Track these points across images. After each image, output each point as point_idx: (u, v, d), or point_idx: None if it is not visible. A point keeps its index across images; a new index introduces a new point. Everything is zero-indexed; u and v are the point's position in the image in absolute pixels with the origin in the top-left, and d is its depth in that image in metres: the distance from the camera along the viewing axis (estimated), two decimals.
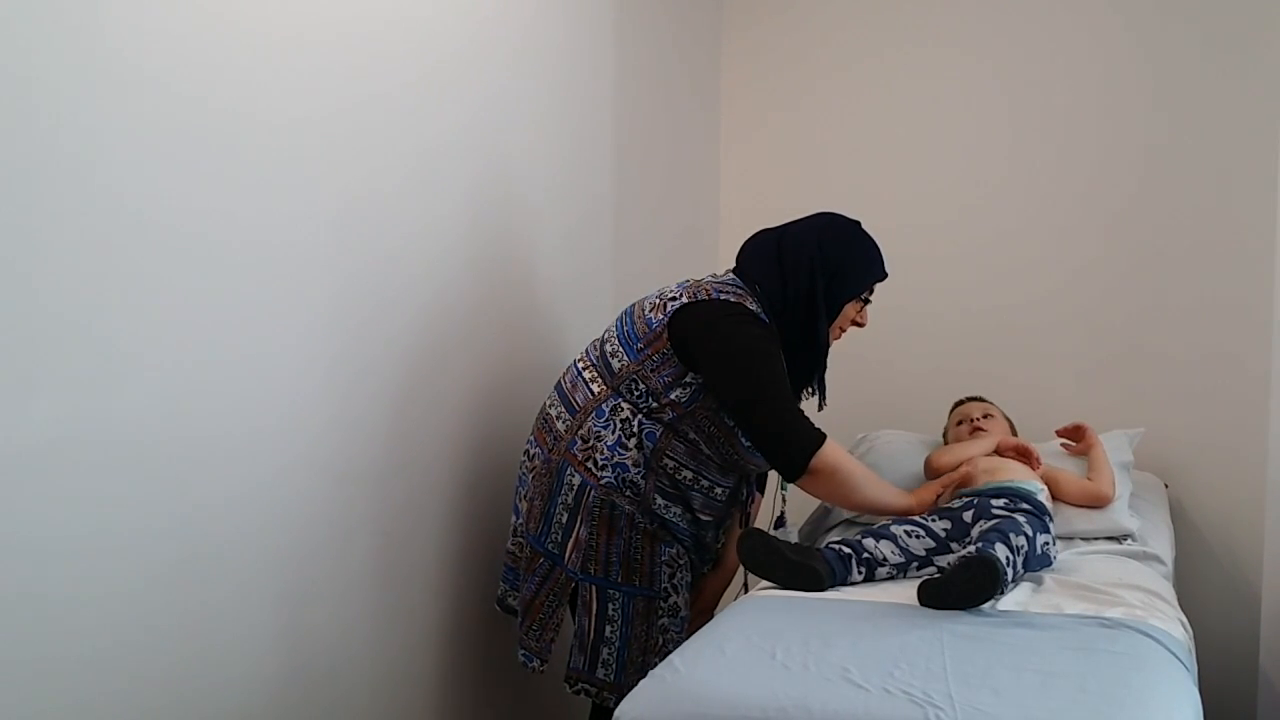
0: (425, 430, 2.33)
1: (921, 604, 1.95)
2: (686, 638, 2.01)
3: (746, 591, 2.36)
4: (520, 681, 2.64)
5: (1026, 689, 1.61)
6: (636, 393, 2.21)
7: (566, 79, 2.81)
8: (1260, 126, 2.94)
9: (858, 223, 2.34)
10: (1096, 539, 2.45)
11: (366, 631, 2.19)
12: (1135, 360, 3.16)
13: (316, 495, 2.03)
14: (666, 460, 2.22)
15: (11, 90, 1.47)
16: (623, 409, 2.22)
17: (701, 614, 2.43)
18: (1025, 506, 2.21)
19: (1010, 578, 1.98)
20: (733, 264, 2.36)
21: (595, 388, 2.26)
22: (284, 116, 1.91)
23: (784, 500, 2.53)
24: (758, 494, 2.55)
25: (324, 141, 2.00)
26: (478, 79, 2.44)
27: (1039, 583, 2.11)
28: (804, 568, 2.06)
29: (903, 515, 2.30)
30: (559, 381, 2.37)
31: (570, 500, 2.24)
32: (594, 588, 2.22)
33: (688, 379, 2.19)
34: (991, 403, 2.78)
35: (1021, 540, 2.06)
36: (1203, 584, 3.02)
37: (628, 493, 2.21)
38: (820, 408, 2.39)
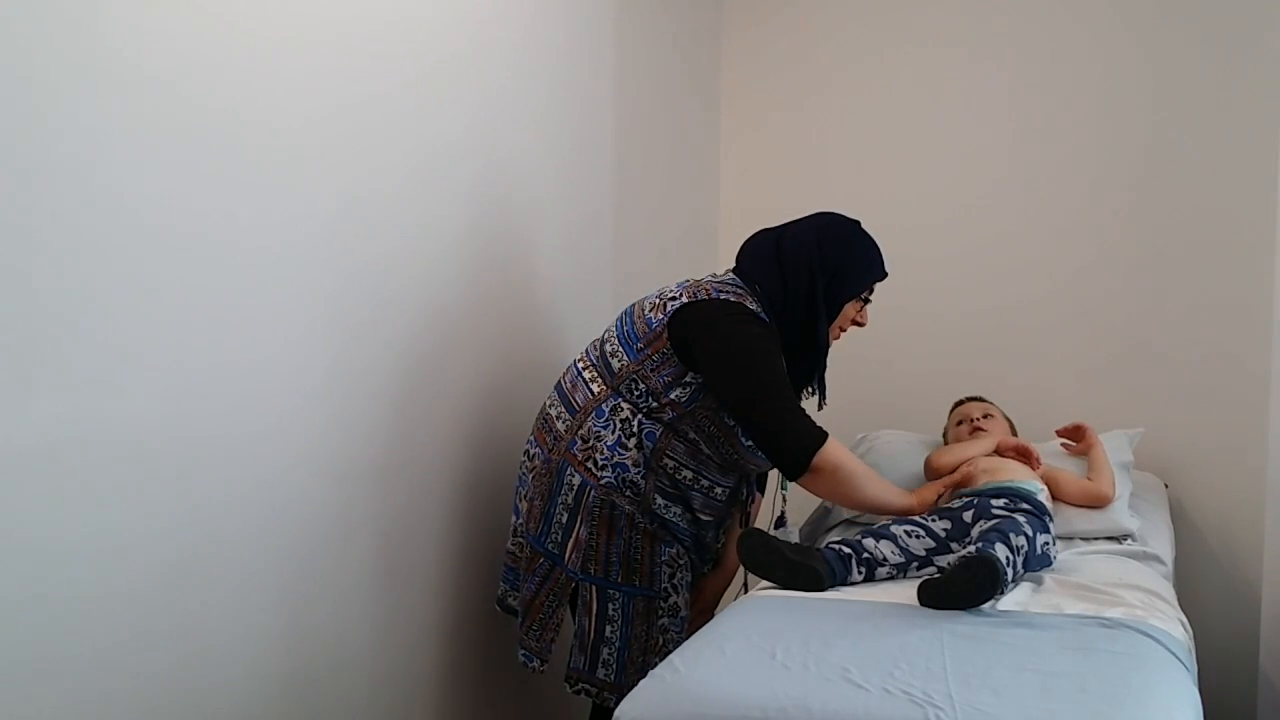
0: (425, 430, 2.33)
1: (921, 604, 1.95)
2: (687, 638, 2.01)
3: (746, 591, 2.36)
4: (520, 681, 2.64)
5: (1026, 689, 1.61)
6: (636, 392, 2.22)
7: (566, 79, 2.81)
8: (1260, 126, 2.94)
9: (857, 222, 2.34)
10: (1096, 539, 2.45)
11: (366, 631, 2.19)
12: (1135, 360, 3.16)
13: (316, 495, 2.03)
14: (666, 460, 2.22)
15: (11, 90, 1.47)
16: (623, 409, 2.22)
17: (702, 614, 2.43)
18: (1025, 506, 2.21)
19: (1010, 578, 1.98)
20: (733, 264, 2.36)
21: (595, 388, 2.26)
22: (284, 117, 1.91)
23: (784, 500, 2.53)
24: (758, 494, 2.55)
25: (324, 142, 2.00)
26: (478, 79, 2.44)
27: (1039, 583, 2.11)
28: (804, 568, 2.06)
29: (904, 514, 2.31)
30: (559, 381, 2.37)
31: (570, 500, 2.24)
32: (594, 588, 2.22)
33: (688, 379, 2.19)
34: (991, 403, 2.78)
35: (1021, 540, 2.06)
36: (1203, 584, 3.02)
37: (628, 492, 2.21)
38: (820, 407, 2.40)
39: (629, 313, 2.31)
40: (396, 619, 2.28)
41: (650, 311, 2.25)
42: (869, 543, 2.14)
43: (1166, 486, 2.98)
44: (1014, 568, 2.00)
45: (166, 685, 1.75)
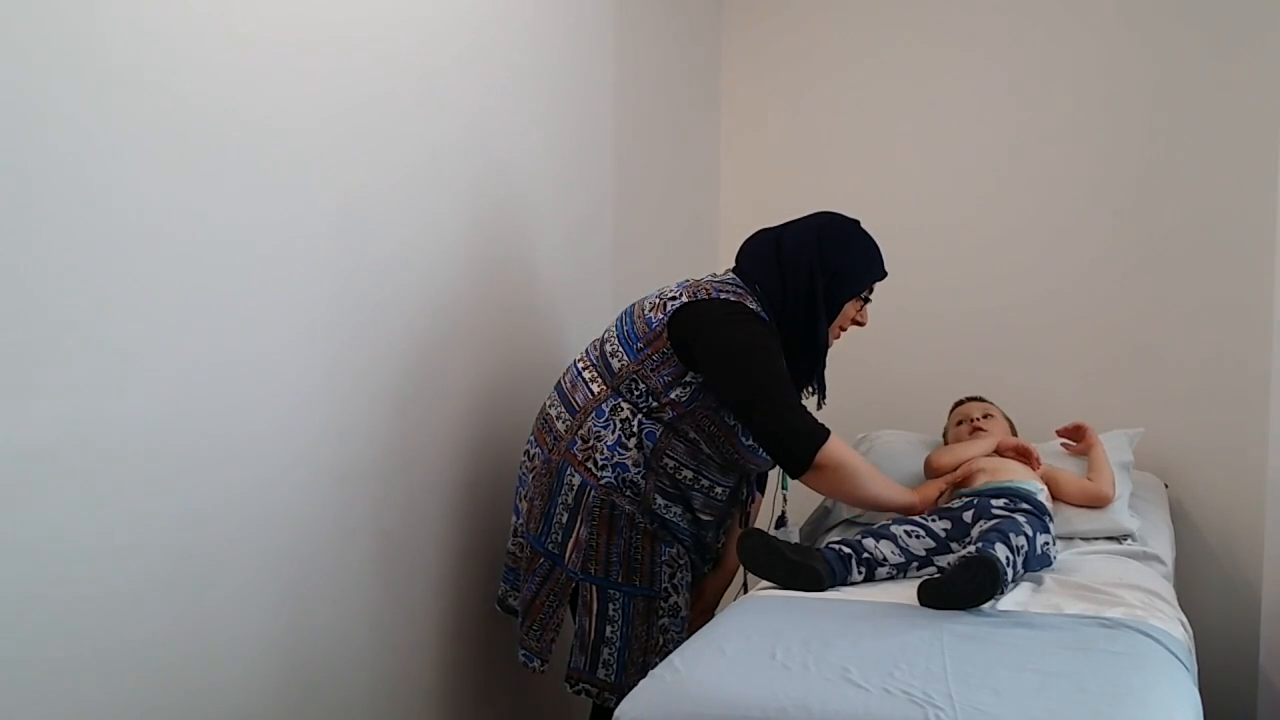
0: (425, 430, 2.33)
1: (921, 604, 1.95)
2: (687, 638, 2.01)
3: (746, 591, 2.36)
4: (520, 681, 2.64)
5: (1026, 689, 1.61)
6: (636, 392, 2.22)
7: (566, 79, 2.81)
8: (1260, 127, 2.94)
9: (857, 222, 2.34)
10: (1096, 539, 2.45)
11: (366, 631, 2.19)
12: (1135, 361, 3.16)
13: (316, 495, 2.03)
14: (667, 460, 2.22)
15: (11, 91, 1.47)
16: (623, 409, 2.22)
17: (702, 614, 2.43)
18: (1025, 506, 2.21)
19: (1010, 578, 1.98)
20: (732, 264, 2.36)
21: (595, 388, 2.26)
22: (284, 117, 1.91)
23: (784, 500, 2.53)
24: (758, 494, 2.55)
25: (324, 143, 2.00)
26: (478, 80, 2.44)
27: (1039, 583, 2.11)
28: (804, 568, 2.06)
29: (906, 512, 2.31)
30: (559, 382, 2.37)
31: (570, 500, 2.24)
32: (594, 588, 2.22)
33: (688, 378, 2.19)
34: (991, 403, 2.78)
35: (1021, 540, 2.06)
36: (1203, 584, 3.02)
37: (628, 492, 2.21)
38: (819, 406, 2.40)
39: (629, 313, 2.31)
40: (396, 619, 2.28)
41: (650, 311, 2.25)
42: (869, 543, 2.14)
43: (1166, 486, 2.98)
44: (1014, 568, 2.00)
45: (166, 685, 1.75)
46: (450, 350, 2.38)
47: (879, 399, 3.28)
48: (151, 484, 1.70)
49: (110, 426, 1.62)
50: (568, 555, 2.24)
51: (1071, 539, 2.43)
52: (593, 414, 2.24)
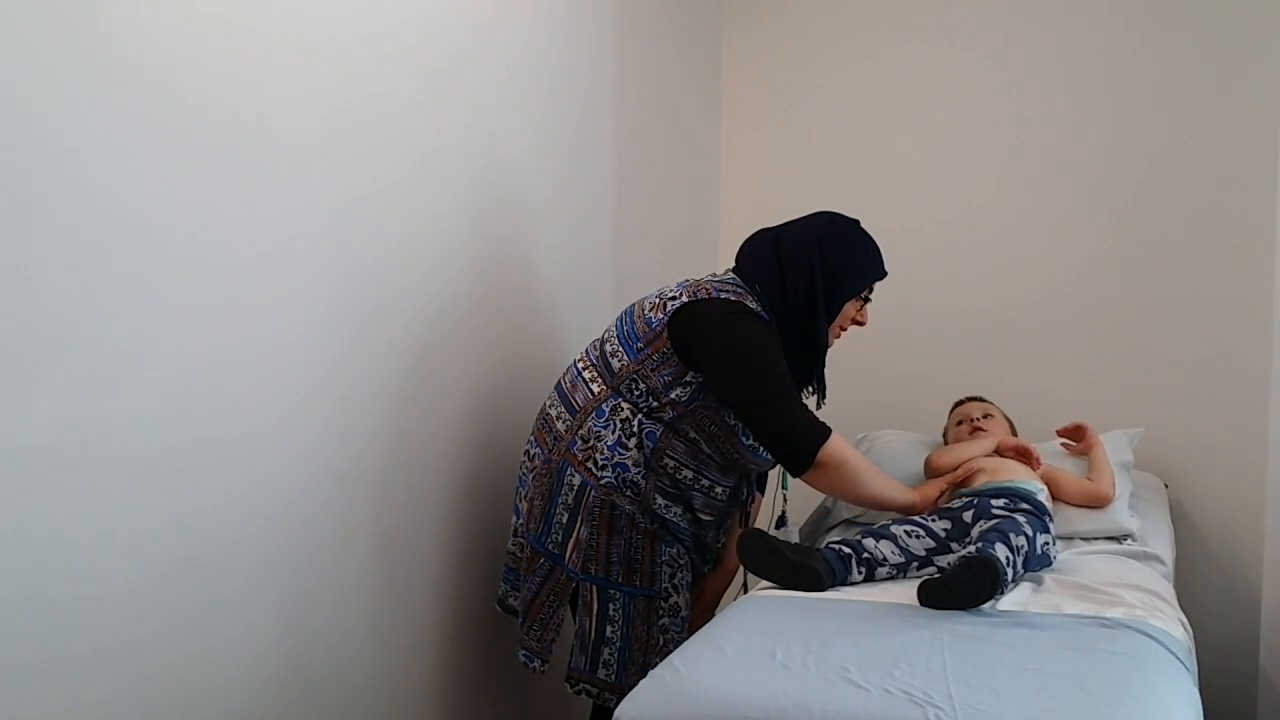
0: (425, 430, 2.33)
1: (921, 604, 1.95)
2: (687, 638, 2.01)
3: (746, 591, 2.36)
4: (521, 682, 2.64)
5: (1026, 689, 1.61)
6: (637, 392, 2.22)
7: (566, 79, 2.81)
8: (1260, 126, 2.94)
9: (856, 221, 2.34)
10: (1096, 539, 2.45)
11: (366, 632, 2.19)
12: (1135, 360, 3.16)
13: (316, 495, 2.03)
14: (667, 460, 2.22)
15: (11, 91, 1.47)
16: (623, 409, 2.22)
17: (702, 614, 2.43)
18: (1025, 506, 2.21)
19: (1010, 578, 1.98)
20: (732, 264, 2.36)
21: (595, 388, 2.26)
22: (284, 117, 1.91)
23: (785, 500, 2.53)
24: (758, 494, 2.55)
25: (324, 143, 2.00)
26: (478, 80, 2.44)
27: (1039, 583, 2.11)
28: (804, 568, 2.06)
29: (907, 512, 2.31)
30: (559, 382, 2.37)
31: (570, 500, 2.24)
32: (594, 588, 2.22)
33: (688, 378, 2.19)
34: (991, 403, 2.78)
35: (1021, 540, 2.06)
36: (1203, 584, 3.02)
37: (628, 492, 2.21)
38: (819, 405, 2.40)
39: (629, 313, 2.31)
40: (396, 619, 2.28)
41: (650, 311, 2.25)
42: (869, 543, 2.14)
43: (1166, 486, 2.98)
44: (1014, 568, 2.00)
45: (166, 685, 1.75)
46: (450, 350, 2.38)
47: (879, 399, 3.28)
48: (151, 484, 1.70)
49: (110, 426, 1.62)
50: (568, 555, 2.24)
51: (1071, 539, 2.43)
52: (593, 414, 2.24)
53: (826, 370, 2.38)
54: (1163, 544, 2.52)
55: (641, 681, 1.73)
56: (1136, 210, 3.15)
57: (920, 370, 3.34)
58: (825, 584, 2.05)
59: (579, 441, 2.24)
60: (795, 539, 2.51)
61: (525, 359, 2.65)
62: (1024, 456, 2.48)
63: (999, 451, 2.52)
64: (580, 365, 2.33)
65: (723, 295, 2.22)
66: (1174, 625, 1.97)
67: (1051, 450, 2.66)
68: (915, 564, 2.16)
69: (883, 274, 2.35)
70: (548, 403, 2.36)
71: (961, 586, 1.93)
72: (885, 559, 2.13)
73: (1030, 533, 2.11)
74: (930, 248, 3.31)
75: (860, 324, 2.36)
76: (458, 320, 2.40)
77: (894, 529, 2.18)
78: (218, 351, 1.80)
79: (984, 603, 1.93)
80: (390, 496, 2.23)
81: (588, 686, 2.24)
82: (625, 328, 2.28)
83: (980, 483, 2.35)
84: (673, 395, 2.19)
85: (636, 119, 3.12)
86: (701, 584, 2.47)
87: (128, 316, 1.64)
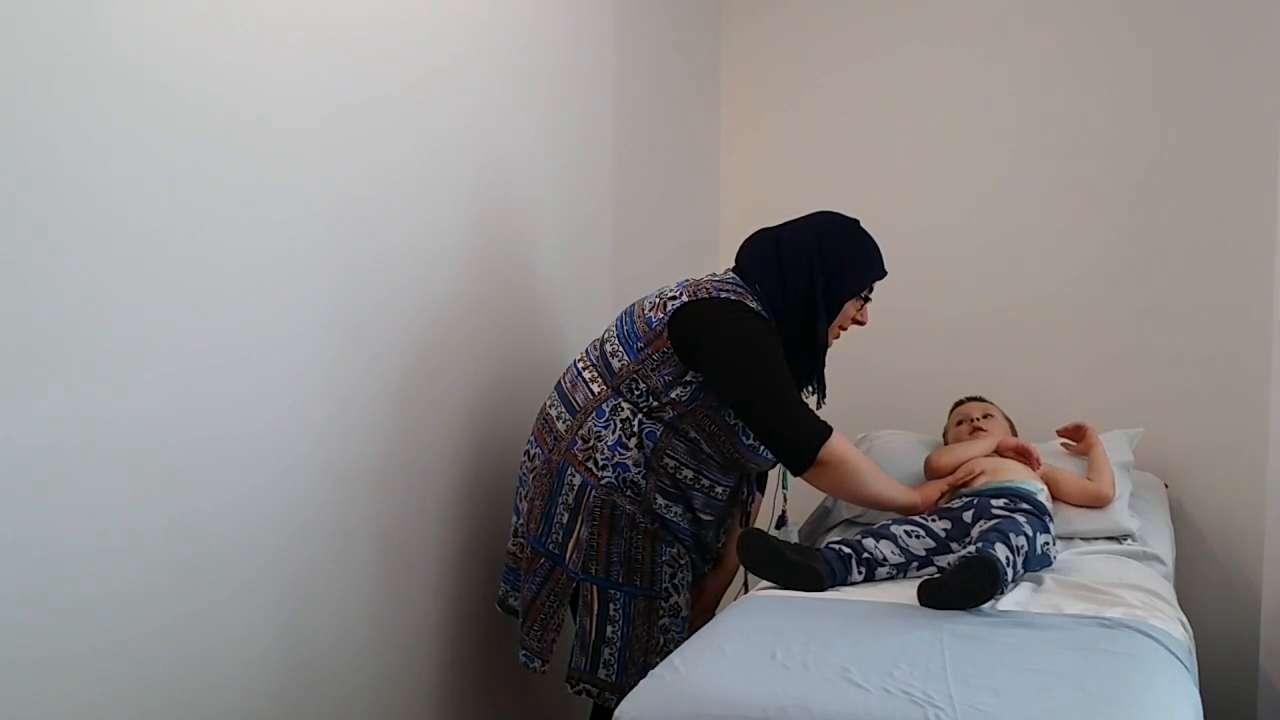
0: (425, 430, 2.33)
1: (921, 604, 1.95)
2: (687, 638, 2.01)
3: (746, 591, 2.36)
4: (521, 682, 2.64)
5: (1026, 689, 1.61)
6: (637, 392, 2.22)
7: (567, 80, 2.81)
8: (1260, 127, 2.94)
9: (856, 221, 2.34)
10: (1096, 539, 2.45)
11: (366, 631, 2.19)
12: (1135, 360, 3.16)
13: (316, 495, 2.03)
14: (667, 460, 2.22)
15: (11, 91, 1.47)
16: (623, 409, 2.22)
17: (703, 614, 2.43)
18: (1025, 506, 2.22)
19: (1010, 578, 1.98)
20: (732, 264, 2.36)
21: (595, 388, 2.26)
22: (284, 117, 1.91)
23: (785, 499, 2.53)
24: (758, 493, 2.55)
25: (324, 142, 2.00)
26: (478, 80, 2.44)
27: (1039, 583, 2.11)
28: (804, 568, 2.06)
29: (907, 512, 2.31)
30: (559, 382, 2.37)
31: (571, 500, 2.24)
32: (595, 588, 2.22)
33: (688, 378, 2.19)
34: (991, 403, 2.78)
35: (1021, 540, 2.06)
36: (1203, 584, 3.02)
37: (628, 492, 2.21)
38: (819, 405, 2.40)
39: (629, 312, 2.31)
40: (396, 619, 2.28)
41: (650, 311, 2.25)
42: (869, 543, 2.14)
43: (1166, 486, 2.98)
44: (1014, 568, 2.00)
45: (166, 685, 1.75)
46: (450, 350, 2.38)
47: (879, 399, 3.28)
48: (151, 483, 1.70)
49: (110, 426, 1.62)
50: (568, 555, 2.24)
51: (1071, 539, 2.43)
52: (593, 414, 2.24)
53: (826, 370, 2.38)
54: (1163, 544, 2.52)
55: (642, 681, 1.73)
56: (1136, 210, 3.15)
57: (920, 370, 3.34)
58: (825, 584, 2.05)
59: (579, 441, 2.24)
60: (795, 539, 2.51)
61: (525, 359, 2.65)
62: (1024, 456, 2.48)
63: (999, 451, 2.52)
64: (580, 365, 2.33)
65: (723, 295, 2.22)
66: (1174, 625, 1.97)
67: (1051, 450, 2.66)
68: (915, 564, 2.16)
69: (883, 273, 2.35)
70: (548, 403, 2.36)
71: (961, 586, 1.93)
72: (885, 559, 2.13)
73: (1030, 533, 2.11)
74: (930, 247, 3.31)
75: (860, 323, 2.36)
76: (458, 320, 2.40)
77: (894, 529, 2.18)
78: (218, 351, 1.80)
79: (984, 603, 1.93)
80: (390, 496, 2.23)
81: (588, 686, 2.24)
82: (625, 327, 2.28)
83: (980, 483, 2.35)
84: (673, 395, 2.19)
85: (636, 119, 3.12)
86: (702, 584, 2.47)
87: (128, 316, 1.64)
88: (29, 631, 1.53)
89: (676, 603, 2.27)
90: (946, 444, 2.71)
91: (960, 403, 2.81)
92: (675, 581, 2.27)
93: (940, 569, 2.13)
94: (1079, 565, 2.24)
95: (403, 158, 2.21)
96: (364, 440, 2.15)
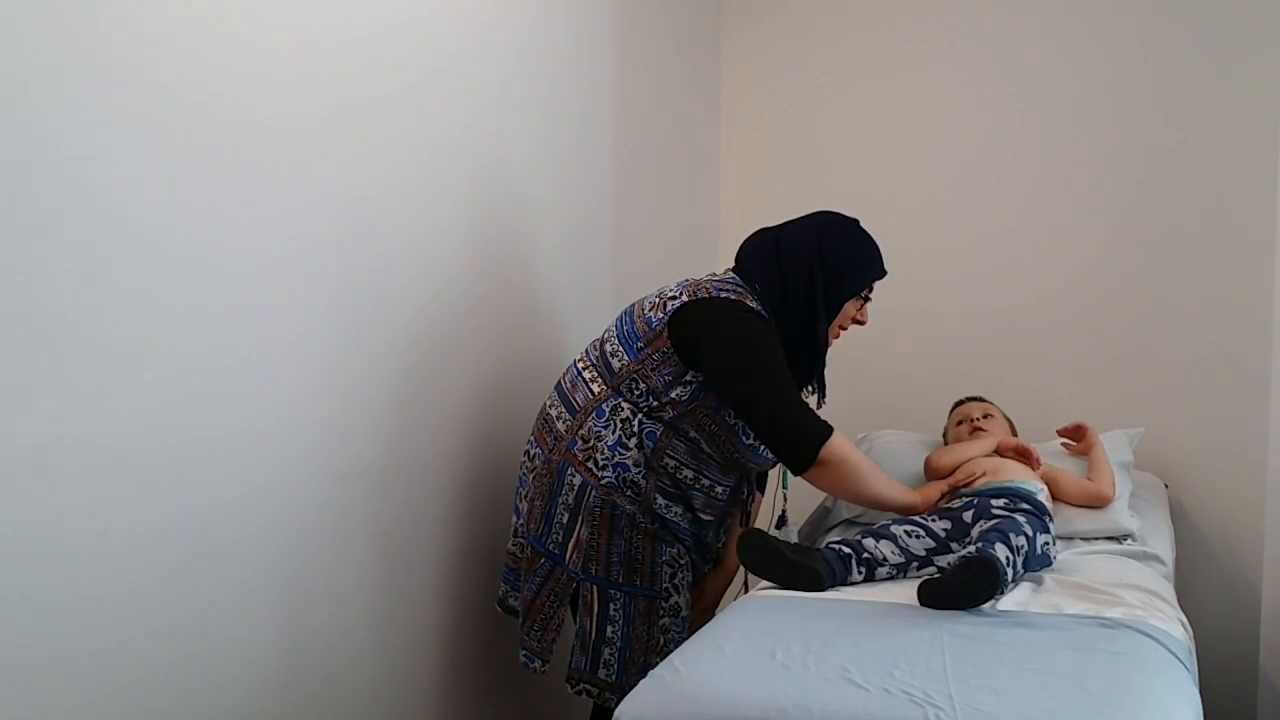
0: (425, 430, 2.33)
1: (921, 604, 1.95)
2: (688, 638, 2.01)
3: (746, 591, 2.36)
4: (521, 682, 2.64)
5: (1026, 689, 1.61)
6: (637, 392, 2.22)
7: (567, 80, 2.81)
8: (1260, 127, 2.94)
9: (856, 221, 2.34)
10: (1096, 539, 2.45)
11: (366, 631, 2.19)
12: (1135, 360, 3.16)
13: (316, 495, 2.03)
14: (667, 459, 2.22)
15: (11, 91, 1.47)
16: (623, 409, 2.22)
17: (703, 614, 2.43)
18: (1025, 506, 2.22)
19: (1010, 578, 1.98)
20: (732, 263, 2.36)
21: (595, 388, 2.26)
22: (284, 118, 1.91)
23: (785, 499, 2.53)
24: (758, 493, 2.55)
25: (324, 143, 2.00)
26: (478, 80, 2.44)
27: (1039, 583, 2.11)
28: (804, 568, 2.06)
29: (908, 512, 2.31)
30: (559, 382, 2.37)
31: (571, 500, 2.24)
32: (595, 588, 2.22)
33: (688, 377, 2.19)
34: (991, 403, 2.78)
35: (1021, 540, 2.06)
36: (1203, 584, 3.02)
37: (628, 492, 2.21)
38: (819, 405, 2.40)
39: (629, 312, 2.31)
40: (396, 619, 2.28)
41: (650, 311, 2.25)
42: (869, 543, 2.14)
43: (1166, 486, 2.98)
44: (1014, 568, 2.00)
45: (166, 685, 1.75)
46: (450, 350, 2.38)
47: (879, 399, 3.28)
48: (151, 483, 1.70)
49: (110, 426, 1.62)
50: (568, 555, 2.24)
51: (1071, 539, 2.43)
52: (593, 414, 2.24)
53: (826, 370, 2.38)
54: (1163, 544, 2.52)
55: (642, 681, 1.73)
56: (1136, 210, 3.15)
57: (920, 370, 3.34)
58: (825, 584, 2.05)
59: (579, 441, 2.24)
60: (795, 539, 2.51)
61: (525, 359, 2.65)
62: (1024, 456, 2.48)
63: (999, 451, 2.52)
64: (580, 365, 2.33)
65: (723, 294, 2.22)
66: (1174, 625, 1.97)
67: (1051, 450, 2.66)
68: (915, 564, 2.16)
69: (882, 273, 2.35)
70: (548, 403, 2.36)
71: (961, 586, 1.93)
72: (885, 559, 2.13)
73: (1030, 533, 2.11)
74: (930, 247, 3.31)
75: (860, 323, 2.36)
76: (458, 320, 2.40)
77: (894, 529, 2.18)
78: (218, 351, 1.80)
79: (984, 603, 1.93)
80: (390, 496, 2.23)
81: (588, 686, 2.24)
82: (625, 327, 2.28)
83: (980, 483, 2.35)
84: (673, 395, 2.19)
85: (636, 119, 3.12)
86: (702, 584, 2.47)
87: (128, 316, 1.64)
88: (29, 631, 1.53)
89: (676, 603, 2.27)
90: (946, 444, 2.71)
91: (960, 403, 2.81)
92: (675, 581, 2.27)
93: (940, 569, 2.13)
94: (1079, 565, 2.24)
95: (403, 158, 2.21)
96: (364, 440, 2.15)
